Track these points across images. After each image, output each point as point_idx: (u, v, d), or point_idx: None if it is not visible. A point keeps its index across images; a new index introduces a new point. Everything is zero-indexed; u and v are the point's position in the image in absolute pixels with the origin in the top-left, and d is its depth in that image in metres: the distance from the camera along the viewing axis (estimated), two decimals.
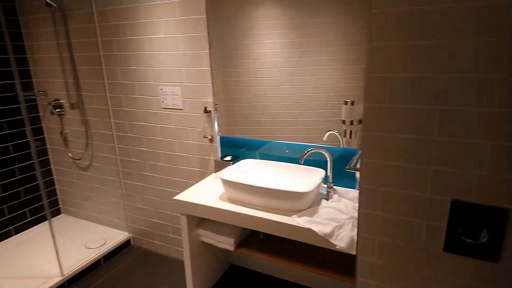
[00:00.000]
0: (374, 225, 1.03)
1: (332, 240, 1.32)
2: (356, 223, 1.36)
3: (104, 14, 2.05)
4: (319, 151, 1.54)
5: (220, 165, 1.92)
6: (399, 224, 0.99)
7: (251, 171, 1.78)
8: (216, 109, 1.89)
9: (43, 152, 2.67)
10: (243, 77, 1.78)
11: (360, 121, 1.16)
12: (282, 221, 1.40)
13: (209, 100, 1.90)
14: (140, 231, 2.48)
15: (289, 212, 1.46)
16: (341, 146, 1.61)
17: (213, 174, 1.94)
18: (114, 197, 2.49)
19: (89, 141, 2.43)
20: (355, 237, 1.29)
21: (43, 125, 2.62)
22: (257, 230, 1.47)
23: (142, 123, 2.17)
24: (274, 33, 1.64)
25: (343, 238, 1.31)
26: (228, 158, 1.89)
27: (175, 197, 1.65)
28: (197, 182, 2.08)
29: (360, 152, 1.13)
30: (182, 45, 1.87)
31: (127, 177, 2.37)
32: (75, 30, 2.18)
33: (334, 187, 1.63)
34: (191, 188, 1.76)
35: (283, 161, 1.79)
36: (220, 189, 1.74)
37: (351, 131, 1.16)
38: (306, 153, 1.52)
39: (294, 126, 1.74)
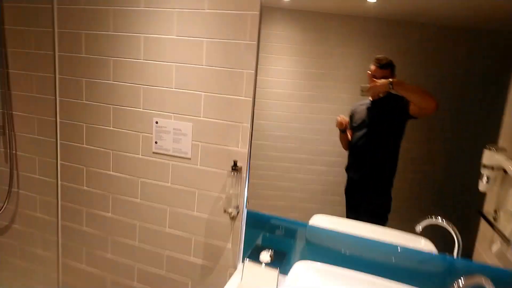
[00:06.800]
0: None
1: None
2: None
3: None
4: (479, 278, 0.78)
5: (249, 269, 1.06)
6: None
7: None
8: (249, 164, 1.12)
9: None
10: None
11: None
12: None
13: (241, 150, 1.12)
14: None
15: None
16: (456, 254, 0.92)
17: (236, 279, 1.09)
18: None
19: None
20: None
21: None
22: None
23: (112, 173, 1.30)
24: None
25: None
26: (266, 256, 1.06)
27: None
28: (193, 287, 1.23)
29: None
30: (208, 55, 1.10)
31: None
32: None
33: None
34: None
35: (359, 265, 1.02)
36: None
37: None
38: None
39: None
